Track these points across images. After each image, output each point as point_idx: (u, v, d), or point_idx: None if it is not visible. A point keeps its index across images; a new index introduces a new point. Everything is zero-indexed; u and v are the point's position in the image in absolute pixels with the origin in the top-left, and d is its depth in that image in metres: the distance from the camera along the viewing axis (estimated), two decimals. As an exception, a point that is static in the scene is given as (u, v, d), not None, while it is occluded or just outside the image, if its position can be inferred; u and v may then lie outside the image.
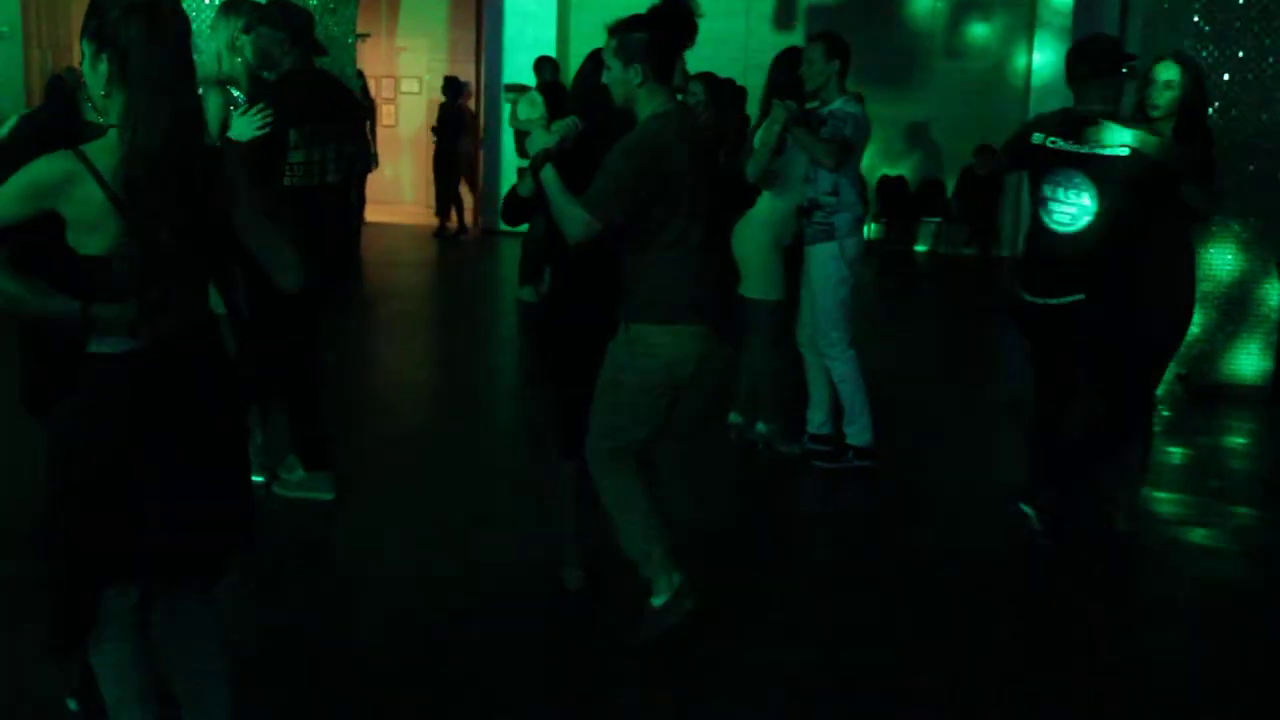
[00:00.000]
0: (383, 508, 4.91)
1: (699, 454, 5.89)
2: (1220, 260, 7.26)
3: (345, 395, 5.98)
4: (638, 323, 3.60)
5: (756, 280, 5.63)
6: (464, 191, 14.21)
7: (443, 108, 13.93)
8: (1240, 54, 7.15)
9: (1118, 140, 4.28)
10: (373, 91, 13.72)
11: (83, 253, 2.42)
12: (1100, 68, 4.44)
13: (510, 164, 12.42)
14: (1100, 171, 4.32)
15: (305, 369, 4.82)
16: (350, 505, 4.85)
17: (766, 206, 5.52)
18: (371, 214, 13.11)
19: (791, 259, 5.63)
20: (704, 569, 4.02)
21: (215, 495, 2.60)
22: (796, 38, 12.92)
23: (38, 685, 3.19)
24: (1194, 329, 5.47)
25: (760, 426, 5.83)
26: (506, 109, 13.48)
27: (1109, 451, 4.73)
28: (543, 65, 10.43)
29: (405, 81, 15.99)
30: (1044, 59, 13.09)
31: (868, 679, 3.65)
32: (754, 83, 10.79)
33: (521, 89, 11.51)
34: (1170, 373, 6.83)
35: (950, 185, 13.44)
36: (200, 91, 4.89)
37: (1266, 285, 7.26)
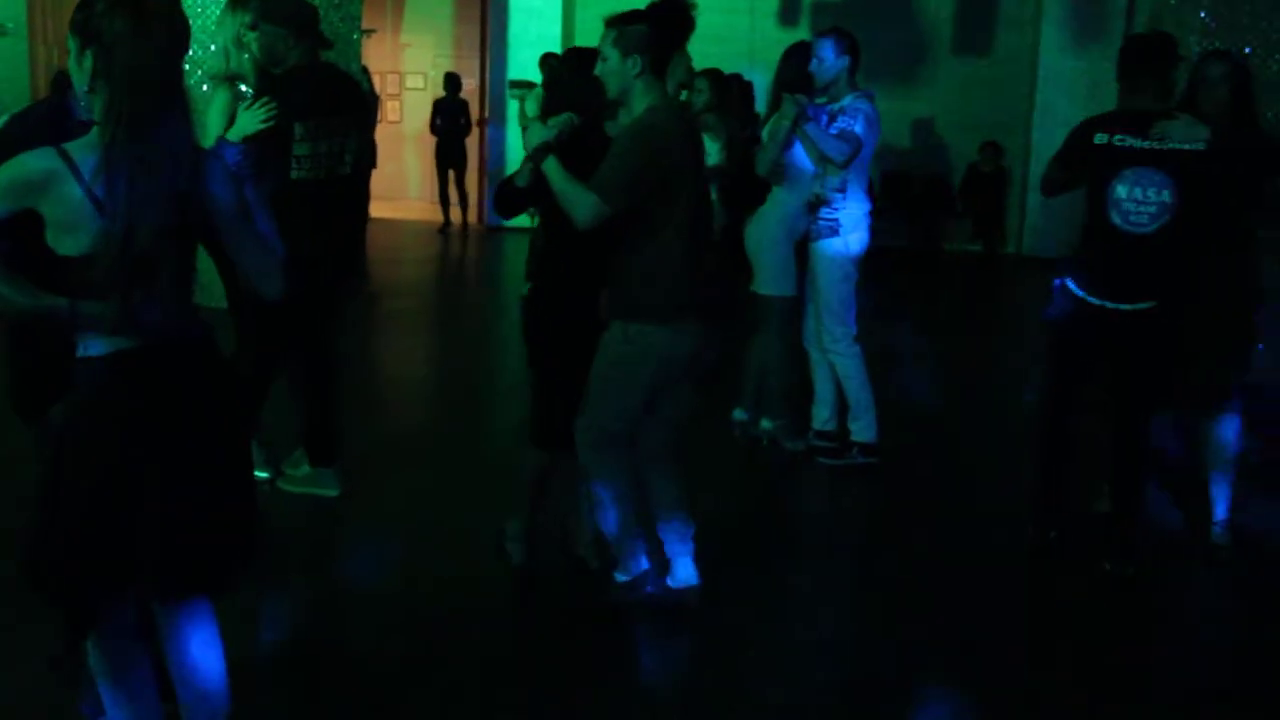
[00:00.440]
0: (385, 505, 4.91)
1: (703, 449, 5.89)
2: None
3: (347, 392, 5.97)
4: (635, 321, 3.63)
5: (769, 276, 5.61)
6: (469, 187, 14.17)
7: (439, 103, 13.90)
8: (1247, 50, 7.11)
9: (1194, 135, 4.14)
10: (377, 87, 13.70)
11: (61, 253, 2.38)
12: (1155, 64, 4.32)
13: (515, 161, 12.44)
14: (1181, 167, 4.14)
15: (320, 364, 4.82)
16: (353, 502, 4.84)
17: (778, 202, 5.51)
18: (376, 210, 13.09)
19: (800, 255, 5.61)
20: (707, 564, 4.02)
21: (215, 500, 2.56)
22: (801, 34, 12.90)
23: (38, 686, 3.19)
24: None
25: (765, 423, 5.82)
26: (512, 105, 13.53)
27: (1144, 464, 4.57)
28: (549, 61, 10.41)
29: (410, 77, 15.99)
30: (1050, 55, 13.06)
31: (869, 676, 3.65)
32: (758, 79, 10.80)
33: (527, 85, 11.49)
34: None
35: (956, 182, 13.42)
36: (205, 88, 4.92)
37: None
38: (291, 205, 4.43)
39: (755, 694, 3.51)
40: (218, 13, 5.25)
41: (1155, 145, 4.17)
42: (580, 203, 3.54)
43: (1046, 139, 13.11)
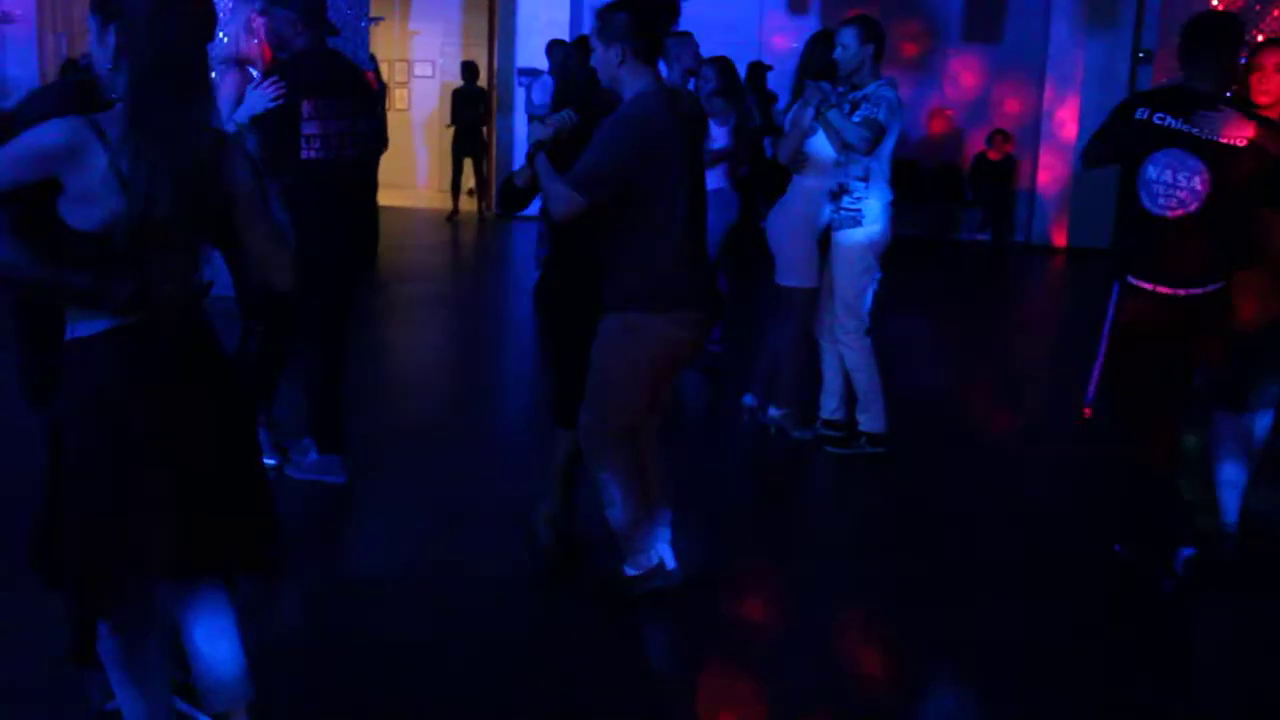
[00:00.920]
0: (393, 491, 4.91)
1: (710, 436, 5.90)
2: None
3: (357, 379, 5.98)
4: (630, 310, 3.61)
5: (791, 267, 5.58)
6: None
7: (457, 92, 13.89)
8: (1260, 37, 7.08)
9: (1237, 131, 3.91)
10: (385, 75, 13.69)
11: (74, 225, 2.35)
12: (1215, 45, 4.06)
13: (523, 147, 12.44)
14: (1217, 159, 3.93)
15: (330, 351, 4.83)
16: (361, 488, 4.85)
17: (801, 192, 5.49)
18: (384, 197, 13.11)
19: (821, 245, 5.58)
20: (712, 550, 4.02)
21: (226, 486, 2.55)
22: (810, 22, 12.88)
23: (40, 671, 3.20)
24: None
25: (772, 411, 5.81)
26: (523, 94, 13.51)
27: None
28: (556, 48, 10.40)
29: (419, 65, 15.98)
30: (1060, 44, 13.01)
31: (874, 665, 3.65)
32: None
33: (535, 73, 11.48)
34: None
35: (965, 171, 13.38)
36: (214, 74, 4.97)
37: None
38: (303, 184, 4.50)
39: (759, 682, 3.51)
40: (229, 1, 5.29)
41: (1193, 130, 3.96)
42: (556, 196, 3.56)
43: (1056, 127, 13.12)
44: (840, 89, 5.30)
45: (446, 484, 5.01)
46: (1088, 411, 4.55)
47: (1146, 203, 4.06)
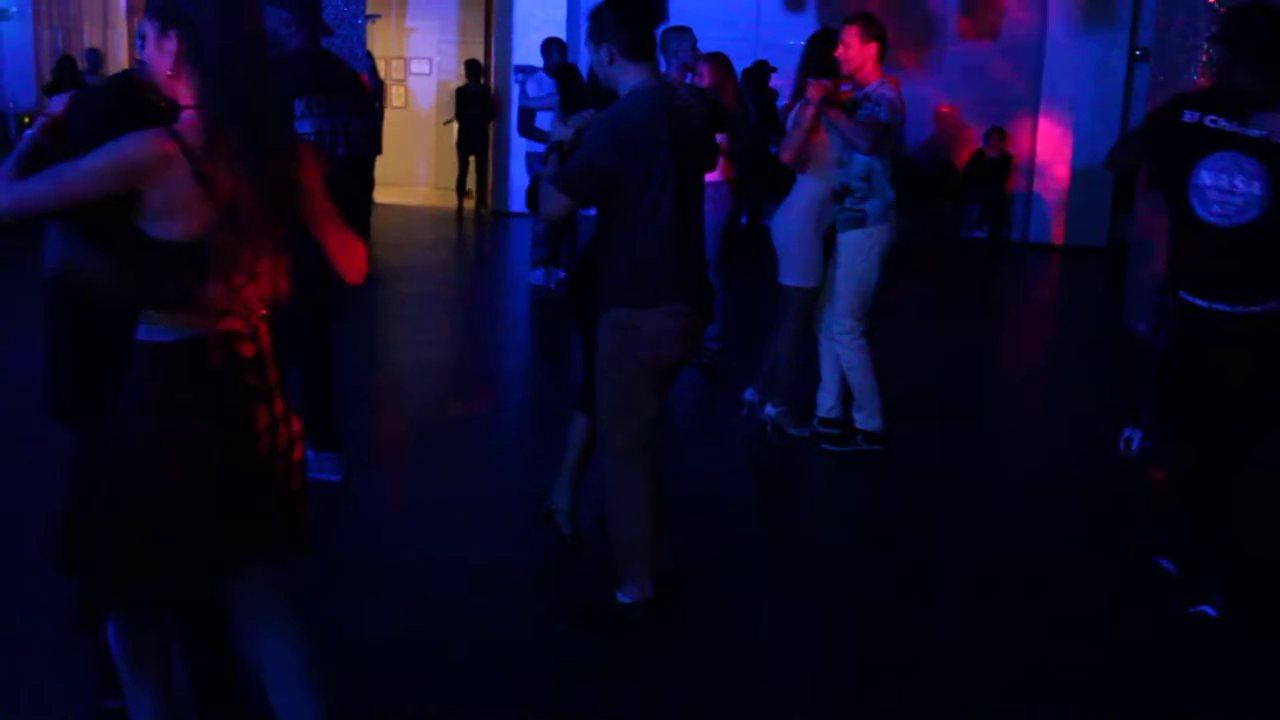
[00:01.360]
0: (391, 489, 4.92)
1: (707, 433, 5.90)
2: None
3: (353, 378, 5.98)
4: (620, 306, 3.60)
5: (795, 267, 5.57)
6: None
7: (461, 90, 13.88)
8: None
9: None
10: (382, 73, 13.70)
11: (156, 235, 2.28)
12: (1269, 39, 3.80)
13: (520, 144, 12.40)
14: (1278, 163, 3.71)
15: (321, 347, 4.83)
16: (358, 488, 4.85)
17: (804, 192, 5.48)
18: (381, 195, 13.10)
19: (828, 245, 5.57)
20: (709, 547, 4.02)
21: (279, 495, 2.54)
22: (808, 19, 12.88)
23: (40, 669, 3.20)
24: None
25: (769, 409, 5.81)
26: (517, 91, 13.50)
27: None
28: (550, 46, 10.38)
29: (415, 63, 15.97)
30: (1057, 40, 13.01)
31: (871, 662, 3.65)
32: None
33: (532, 71, 11.47)
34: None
35: (962, 169, 13.39)
36: None
37: None
38: None
39: (757, 677, 3.51)
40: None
41: (1250, 132, 3.75)
42: (545, 195, 3.60)
43: (1053, 125, 13.13)
44: (844, 87, 5.29)
45: (444, 481, 5.01)
46: (1136, 442, 4.27)
47: (1199, 210, 3.82)
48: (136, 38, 2.47)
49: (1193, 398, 3.95)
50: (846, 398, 5.62)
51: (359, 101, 4.80)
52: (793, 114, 5.46)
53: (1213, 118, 3.79)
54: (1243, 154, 3.74)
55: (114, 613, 2.57)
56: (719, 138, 6.38)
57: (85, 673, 3.07)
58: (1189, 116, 3.84)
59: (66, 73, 12.30)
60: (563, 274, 9.00)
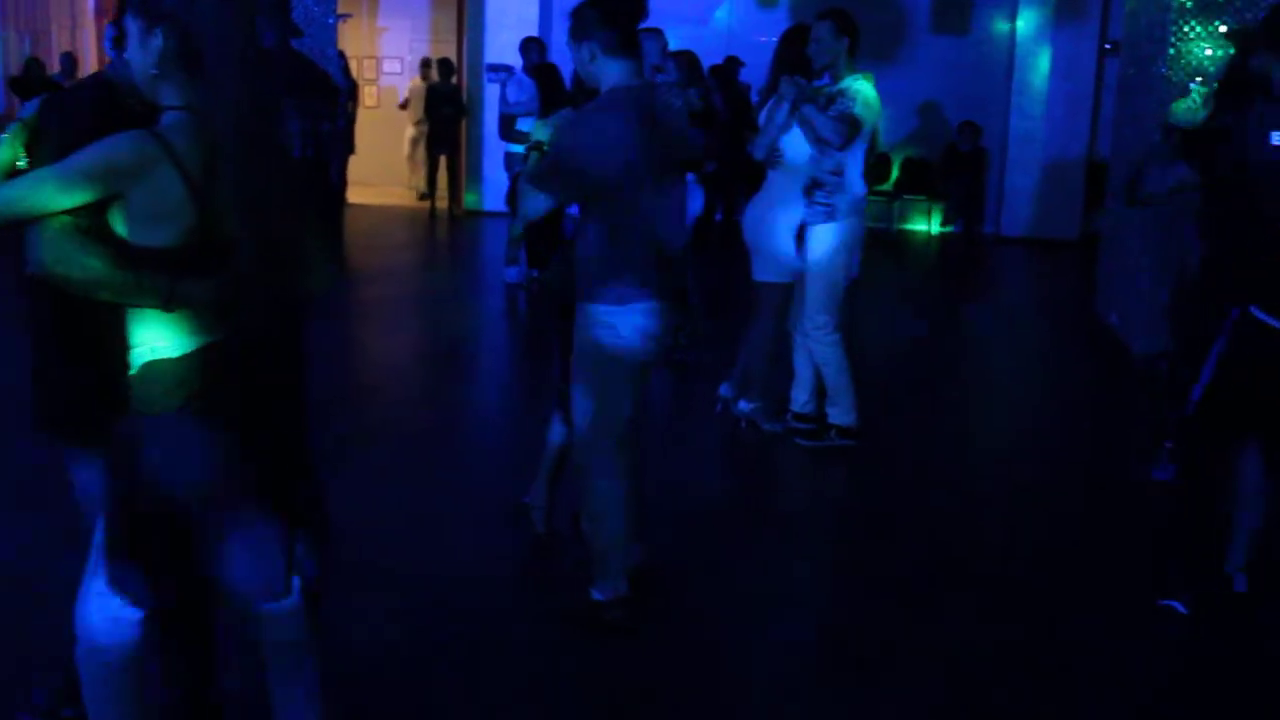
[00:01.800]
0: (362, 495, 4.90)
1: (681, 430, 5.90)
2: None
3: (323, 380, 5.95)
4: (593, 303, 3.59)
5: (767, 263, 5.57)
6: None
7: (432, 88, 13.83)
8: (1223, 28, 7.14)
9: None
10: (354, 73, 13.63)
11: (140, 242, 2.21)
12: None
13: (493, 144, 12.37)
14: None
15: (292, 349, 4.82)
16: (332, 487, 4.83)
17: (776, 188, 5.48)
18: (354, 195, 13.08)
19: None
20: (683, 544, 4.03)
21: (284, 520, 2.53)
22: (780, 16, 12.89)
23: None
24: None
25: (743, 405, 5.82)
26: (492, 90, 13.46)
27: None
28: (529, 46, 10.34)
29: (387, 62, 15.92)
30: (1027, 36, 13.08)
31: (845, 657, 3.66)
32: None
33: (504, 69, 11.42)
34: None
35: (935, 162, 13.43)
36: None
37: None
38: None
39: (732, 675, 3.51)
40: None
41: None
42: (523, 194, 3.62)
43: (1025, 119, 13.19)
44: (817, 83, 5.29)
45: (417, 483, 4.99)
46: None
47: None
48: (105, 39, 2.40)
49: (1244, 414, 3.80)
50: (820, 392, 5.63)
51: (328, 103, 4.79)
52: (765, 110, 5.46)
53: None
54: None
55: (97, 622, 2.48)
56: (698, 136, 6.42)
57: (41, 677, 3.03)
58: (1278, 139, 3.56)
59: (35, 75, 12.22)
60: (536, 273, 8.98)
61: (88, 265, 2.19)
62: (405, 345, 8.00)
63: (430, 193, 13.97)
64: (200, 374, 2.31)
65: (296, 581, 2.62)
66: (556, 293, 4.15)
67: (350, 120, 12.52)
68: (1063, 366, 7.81)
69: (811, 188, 5.34)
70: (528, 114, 9.37)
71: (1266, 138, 3.59)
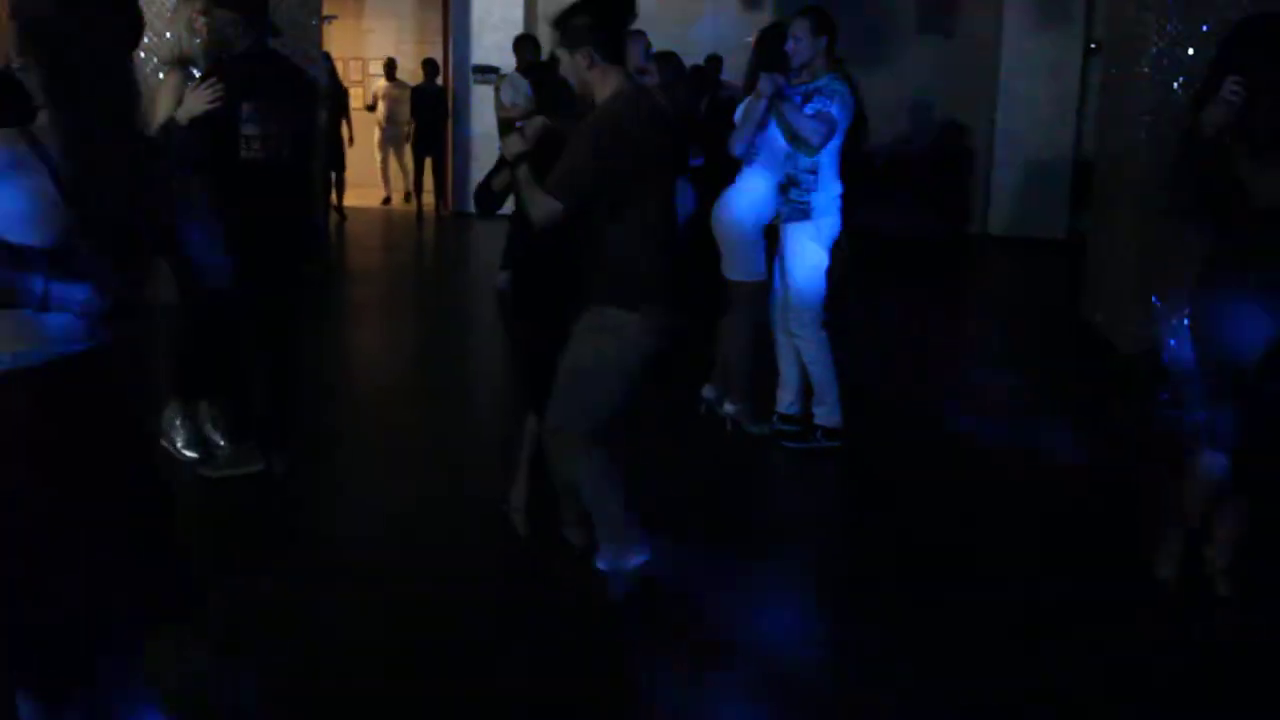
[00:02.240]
0: (349, 489, 4.89)
1: (666, 431, 5.89)
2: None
3: (314, 377, 5.96)
4: (606, 305, 3.62)
5: (738, 261, 5.57)
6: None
7: (416, 90, 13.83)
8: (1205, 28, 7.15)
9: None
10: (340, 74, 13.62)
11: (15, 241, 2.10)
12: None
13: (483, 145, 12.36)
14: None
15: (280, 346, 4.90)
16: (317, 487, 4.82)
17: (747, 186, 5.48)
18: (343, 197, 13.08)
19: (768, 238, 5.59)
20: (667, 545, 4.03)
21: (143, 542, 2.32)
22: (764, 17, 12.89)
23: None
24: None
25: (728, 406, 5.82)
26: (479, 91, 13.46)
27: None
28: (524, 44, 10.21)
29: (373, 63, 15.89)
30: (1013, 36, 13.10)
31: (829, 658, 3.66)
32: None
33: (490, 70, 11.39)
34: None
35: (921, 163, 13.44)
36: (162, 74, 4.97)
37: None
38: (240, 185, 4.52)
39: (719, 676, 3.51)
40: (172, 1, 5.29)
41: None
42: (535, 203, 3.59)
43: (1010, 119, 13.22)
44: (793, 81, 5.29)
45: (404, 483, 4.99)
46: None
47: None
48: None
49: None
50: (806, 394, 5.63)
51: (305, 104, 4.80)
52: (741, 107, 5.46)
53: None
54: None
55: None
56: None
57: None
58: None
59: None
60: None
61: None
62: (390, 346, 7.98)
63: (418, 194, 13.99)
64: (57, 389, 2.18)
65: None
66: (525, 290, 4.15)
67: (337, 123, 12.50)
68: (1048, 367, 7.82)
69: (787, 185, 5.35)
70: (524, 115, 9.33)
71: None
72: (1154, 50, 7.30)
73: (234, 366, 4.85)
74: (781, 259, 5.46)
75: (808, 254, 5.35)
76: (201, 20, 4.68)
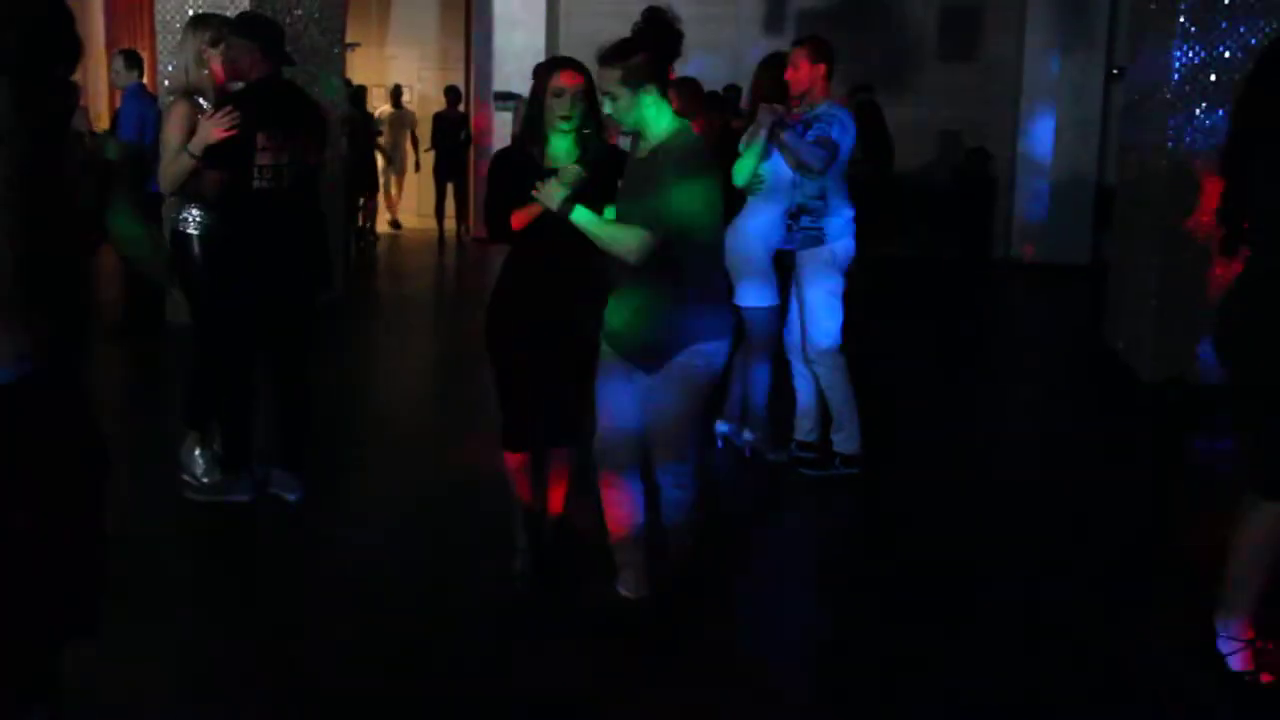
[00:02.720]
0: (363, 512, 4.89)
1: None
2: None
3: (328, 404, 5.96)
4: (701, 342, 3.63)
5: (750, 289, 5.56)
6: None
7: (438, 116, 13.94)
8: (1226, 54, 7.13)
9: None
10: (367, 103, 13.76)
11: None
12: None
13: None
14: None
15: (296, 370, 4.91)
16: (323, 510, 4.83)
17: (755, 214, 5.48)
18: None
19: (780, 265, 5.59)
20: (688, 572, 4.01)
21: (65, 557, 2.32)
22: (786, 42, 12.92)
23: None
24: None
25: (746, 434, 5.79)
26: (500, 118, 13.52)
27: None
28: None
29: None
30: (1035, 60, 13.09)
31: (853, 686, 3.62)
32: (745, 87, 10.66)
33: (511, 97, 11.47)
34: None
35: (943, 188, 13.41)
36: (170, 100, 5.01)
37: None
38: (254, 215, 4.54)
39: (737, 703, 3.48)
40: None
41: None
42: (626, 241, 3.55)
43: (1032, 144, 13.20)
44: (794, 110, 5.32)
45: (417, 505, 4.99)
46: None
47: None
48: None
49: None
50: (824, 421, 5.61)
51: (319, 135, 4.82)
52: (745, 137, 5.48)
53: None
54: None
55: None
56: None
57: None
58: None
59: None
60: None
61: None
62: (411, 371, 8.00)
63: (439, 220, 14.07)
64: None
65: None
66: (510, 326, 4.09)
67: (362, 150, 12.60)
68: (1070, 394, 7.76)
69: (798, 214, 5.35)
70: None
71: None
72: (1176, 75, 7.27)
73: (237, 393, 4.85)
74: (798, 286, 5.45)
75: (823, 280, 5.35)
76: (211, 51, 4.72)
